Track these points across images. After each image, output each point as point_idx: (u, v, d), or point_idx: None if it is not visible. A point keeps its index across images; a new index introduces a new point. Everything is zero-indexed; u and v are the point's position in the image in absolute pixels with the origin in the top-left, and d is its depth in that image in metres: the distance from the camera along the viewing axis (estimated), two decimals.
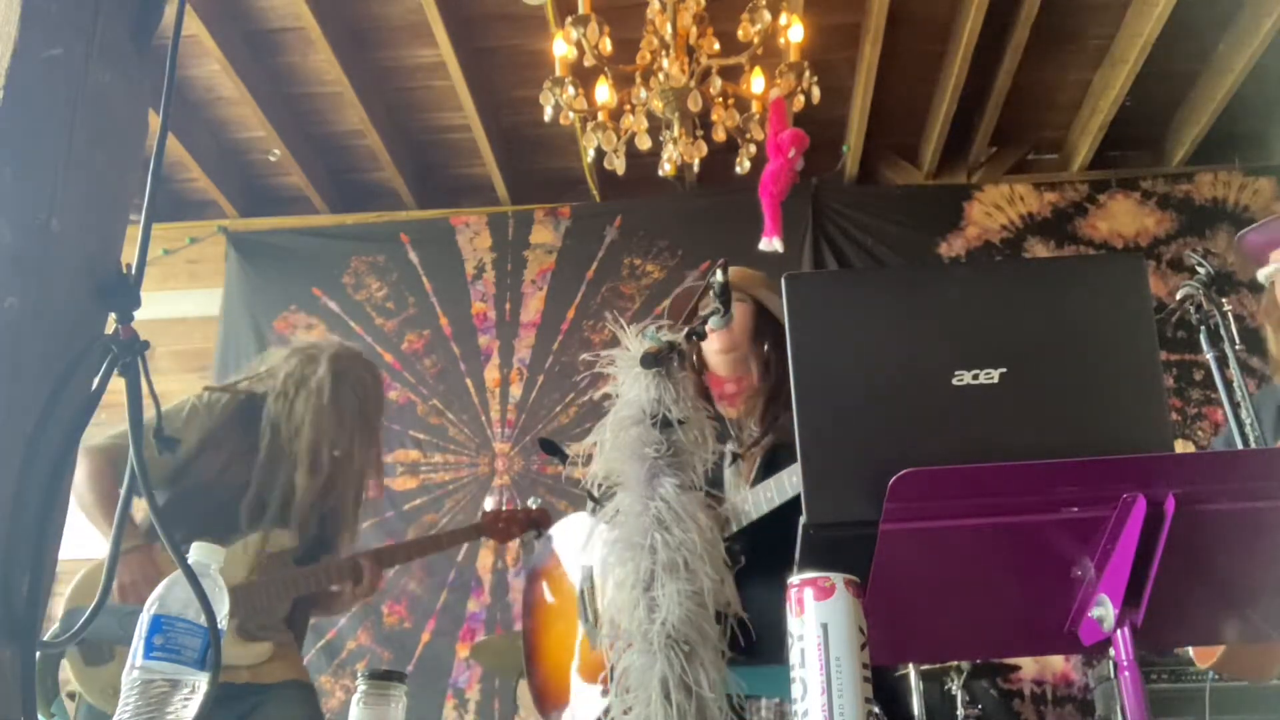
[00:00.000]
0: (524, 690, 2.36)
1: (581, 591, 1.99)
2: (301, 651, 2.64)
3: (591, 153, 3.12)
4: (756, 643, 1.39)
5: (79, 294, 0.95)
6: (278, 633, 2.47)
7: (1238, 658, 1.95)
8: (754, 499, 1.77)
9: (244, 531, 2.39)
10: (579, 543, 2.08)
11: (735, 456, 2.01)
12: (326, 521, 2.58)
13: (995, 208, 4.86)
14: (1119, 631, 0.99)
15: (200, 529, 2.26)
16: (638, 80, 3.01)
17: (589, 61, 2.93)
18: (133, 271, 0.97)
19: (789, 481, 1.69)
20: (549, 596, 2.16)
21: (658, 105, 2.96)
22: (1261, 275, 2.10)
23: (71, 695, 2.27)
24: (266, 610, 2.43)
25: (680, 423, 1.31)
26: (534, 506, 2.87)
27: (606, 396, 1.38)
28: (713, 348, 2.11)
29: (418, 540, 2.74)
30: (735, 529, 1.82)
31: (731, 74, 3.06)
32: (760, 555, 1.70)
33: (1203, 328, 1.77)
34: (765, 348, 2.11)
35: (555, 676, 2.05)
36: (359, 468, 2.62)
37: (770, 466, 1.93)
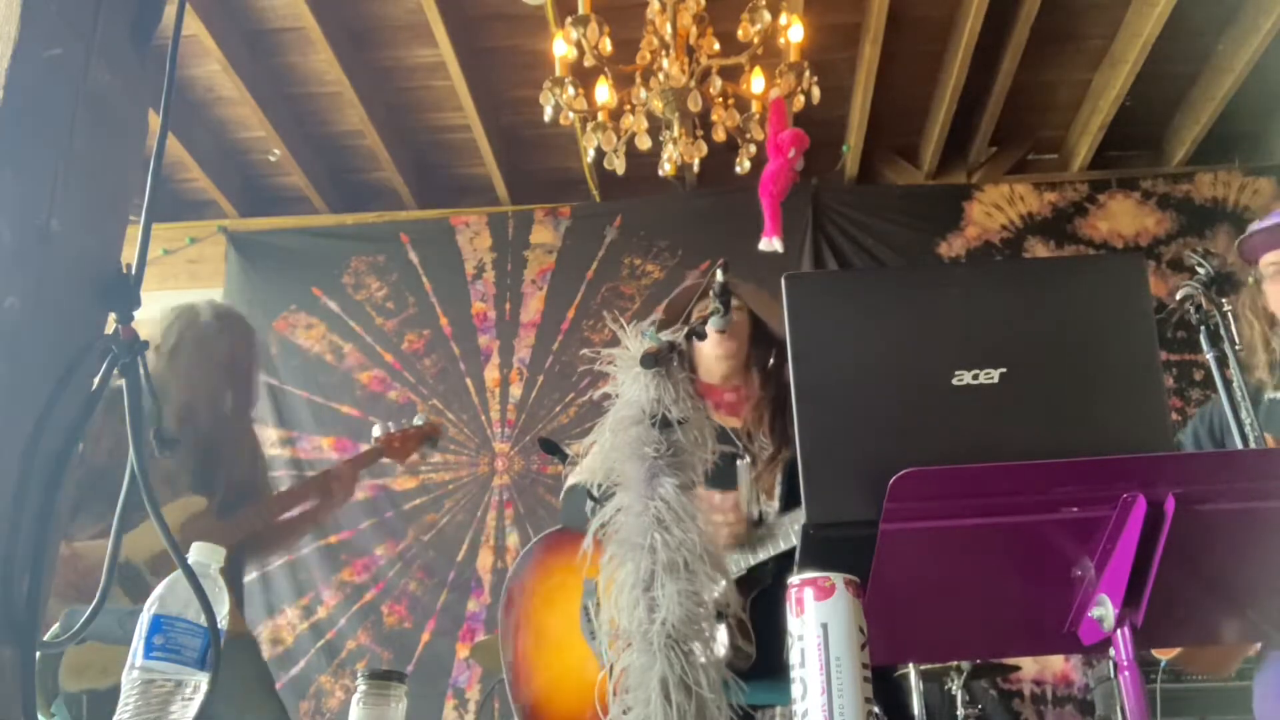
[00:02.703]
0: None
1: (585, 608, 1.97)
2: (241, 600, 2.69)
3: (591, 153, 3.11)
4: (779, 658, 1.41)
5: (79, 294, 0.95)
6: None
7: (1197, 653, 1.96)
8: (792, 527, 1.81)
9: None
10: (577, 556, 2.07)
11: (751, 458, 2.01)
12: (235, 479, 2.61)
13: (995, 208, 4.86)
14: (1119, 631, 0.99)
15: (108, 512, 2.32)
16: (638, 80, 3.01)
17: (589, 61, 2.93)
18: (133, 271, 0.97)
19: None
20: (535, 612, 2.12)
21: (658, 105, 2.96)
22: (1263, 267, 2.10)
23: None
24: None
25: (680, 423, 1.31)
26: (421, 423, 2.93)
27: (606, 396, 1.38)
28: (713, 353, 2.11)
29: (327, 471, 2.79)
30: (774, 551, 1.85)
31: (731, 74, 3.06)
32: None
33: (1203, 328, 1.77)
34: (767, 356, 2.12)
35: (551, 697, 2.02)
36: (244, 424, 2.70)
37: (793, 480, 1.95)
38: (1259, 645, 1.88)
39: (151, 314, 2.63)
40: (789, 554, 1.89)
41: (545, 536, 2.29)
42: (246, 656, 2.52)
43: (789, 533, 1.88)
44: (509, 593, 2.15)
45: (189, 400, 2.54)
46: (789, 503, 2.00)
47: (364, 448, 2.90)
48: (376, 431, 2.88)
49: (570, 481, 2.14)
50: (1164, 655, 1.98)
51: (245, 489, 2.64)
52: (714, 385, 2.14)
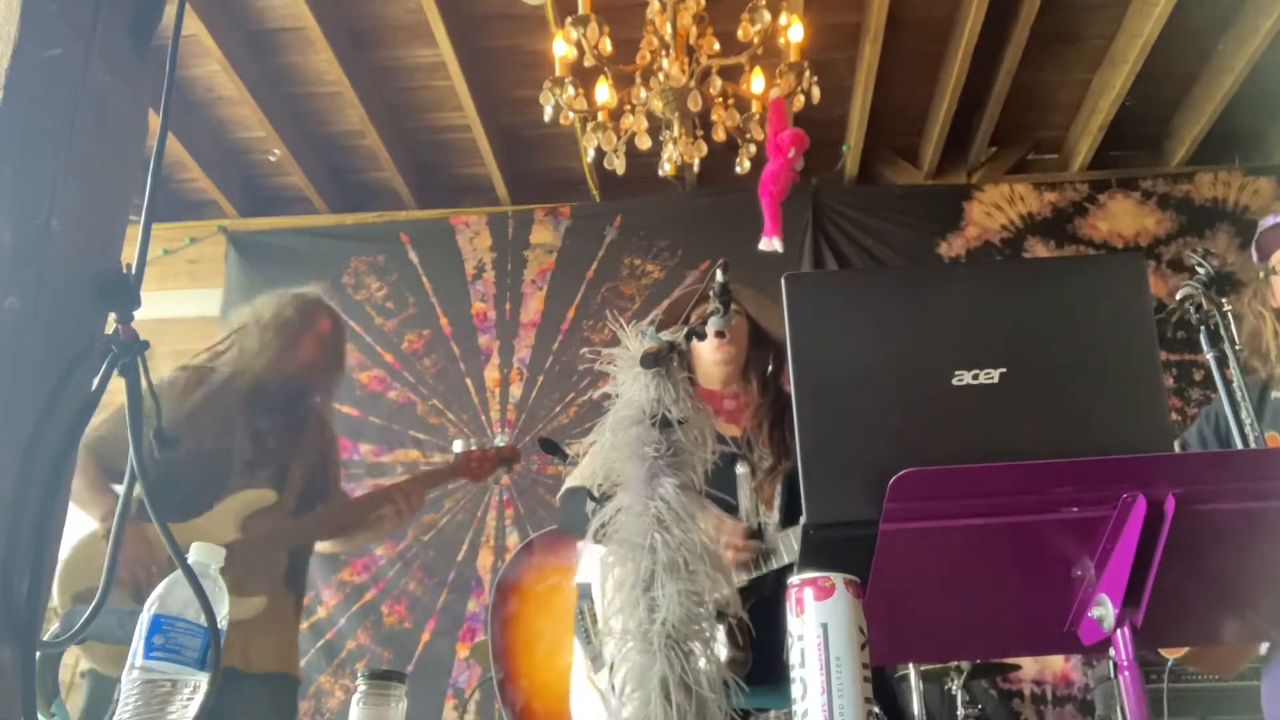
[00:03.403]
0: None
1: (581, 612, 1.96)
2: (301, 605, 2.62)
3: (591, 153, 3.11)
4: (771, 667, 1.42)
5: (79, 294, 0.95)
6: (274, 589, 2.45)
7: (1204, 653, 1.96)
8: (789, 542, 1.82)
9: (229, 490, 2.41)
10: (572, 559, 2.06)
11: (751, 467, 2.01)
12: (313, 477, 2.59)
13: (995, 208, 4.86)
14: (1119, 631, 0.99)
15: (190, 489, 2.35)
16: (638, 80, 3.01)
17: (589, 61, 2.93)
18: (133, 271, 0.97)
19: None
20: (528, 613, 2.11)
21: (658, 105, 2.96)
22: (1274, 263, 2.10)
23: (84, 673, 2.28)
24: (261, 565, 2.42)
25: (680, 423, 1.31)
26: (501, 444, 2.87)
27: (606, 396, 1.38)
28: (712, 357, 2.11)
29: (399, 483, 2.77)
30: (776, 565, 1.86)
31: (731, 74, 3.06)
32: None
33: (1203, 328, 1.77)
34: (766, 362, 2.12)
35: (542, 700, 2.01)
36: (325, 415, 2.69)
37: (793, 491, 1.95)
38: (1266, 645, 1.88)
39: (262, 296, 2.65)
40: (789, 567, 1.89)
41: (541, 536, 2.28)
42: (281, 693, 2.45)
43: (792, 548, 1.88)
44: (501, 591, 2.15)
45: (283, 385, 2.53)
46: (789, 514, 2.00)
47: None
48: (458, 447, 2.83)
49: (569, 484, 2.14)
50: (1171, 655, 1.98)
51: (317, 490, 2.61)
52: (714, 392, 2.14)
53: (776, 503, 1.99)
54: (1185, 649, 1.93)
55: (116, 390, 0.95)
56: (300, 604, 2.62)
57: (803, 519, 1.05)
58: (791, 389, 1.08)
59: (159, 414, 1.02)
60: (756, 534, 1.98)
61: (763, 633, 1.45)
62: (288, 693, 2.49)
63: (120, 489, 2.44)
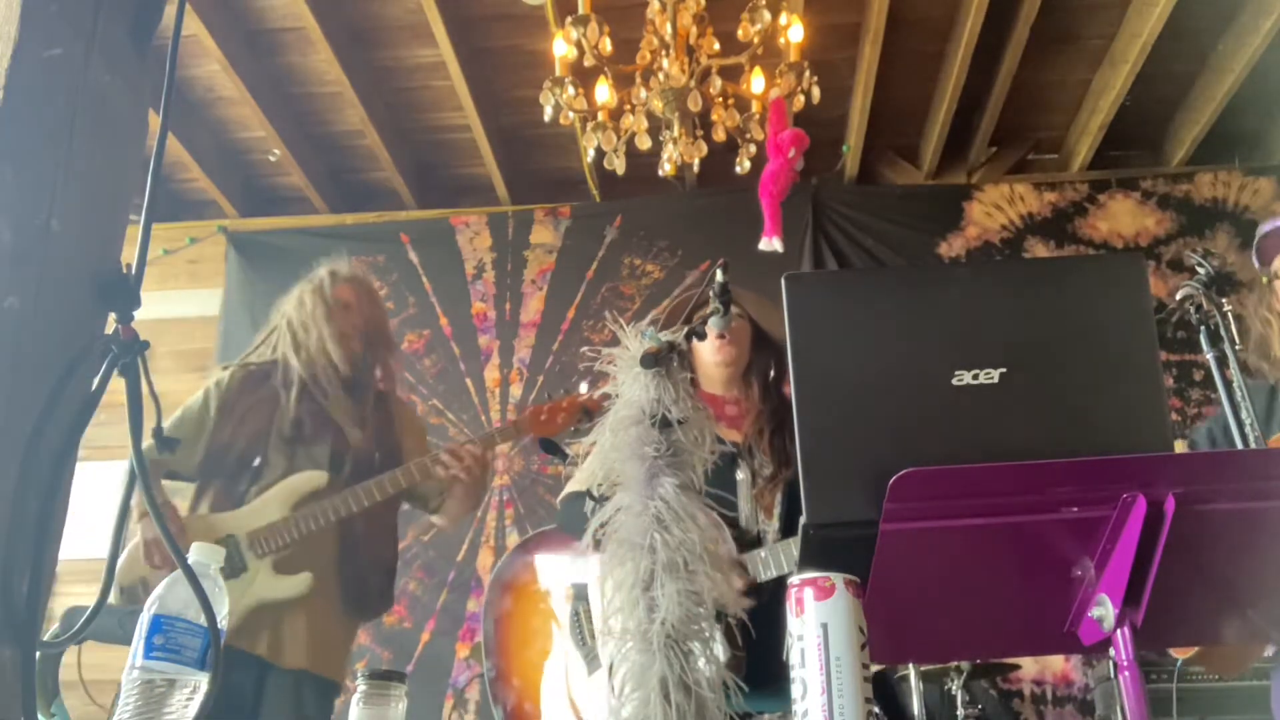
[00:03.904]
0: None
1: (576, 613, 1.96)
2: (365, 610, 2.55)
3: (591, 153, 3.11)
4: (769, 672, 1.42)
5: (79, 294, 0.95)
6: (322, 571, 2.39)
7: (1211, 652, 1.96)
8: (787, 557, 1.82)
9: (266, 473, 2.42)
10: (566, 559, 2.06)
11: (751, 474, 2.01)
12: (376, 457, 2.53)
13: (995, 208, 4.86)
14: (1119, 631, 0.99)
15: (229, 478, 2.39)
16: (638, 80, 3.01)
17: (589, 61, 2.93)
18: (133, 271, 0.97)
19: None
20: (522, 611, 2.11)
21: (658, 105, 2.96)
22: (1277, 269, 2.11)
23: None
24: (307, 543, 2.38)
25: (680, 423, 1.31)
26: (584, 393, 2.69)
27: (606, 396, 1.38)
28: (712, 359, 2.10)
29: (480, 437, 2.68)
30: (775, 574, 1.86)
31: (731, 74, 3.06)
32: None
33: (1203, 328, 1.77)
34: (767, 365, 2.11)
35: (534, 701, 2.01)
36: (391, 390, 2.64)
37: (793, 500, 1.95)
38: (1274, 647, 1.88)
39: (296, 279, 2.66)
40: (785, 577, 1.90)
41: (538, 535, 2.28)
42: (313, 691, 2.37)
43: (788, 559, 1.88)
44: (496, 587, 2.14)
45: (332, 368, 2.51)
46: (789, 523, 2.00)
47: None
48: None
49: (569, 489, 2.13)
50: (1180, 654, 1.98)
51: (385, 469, 2.50)
52: (716, 396, 2.13)
53: (776, 511, 2.00)
54: (1194, 649, 1.93)
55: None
56: (363, 607, 2.52)
57: (803, 519, 1.05)
58: (792, 389, 1.08)
59: (159, 414, 1.02)
60: (756, 541, 1.98)
61: (759, 638, 1.46)
62: (320, 696, 2.38)
63: (167, 483, 2.46)
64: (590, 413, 2.67)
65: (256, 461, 2.42)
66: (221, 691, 2.19)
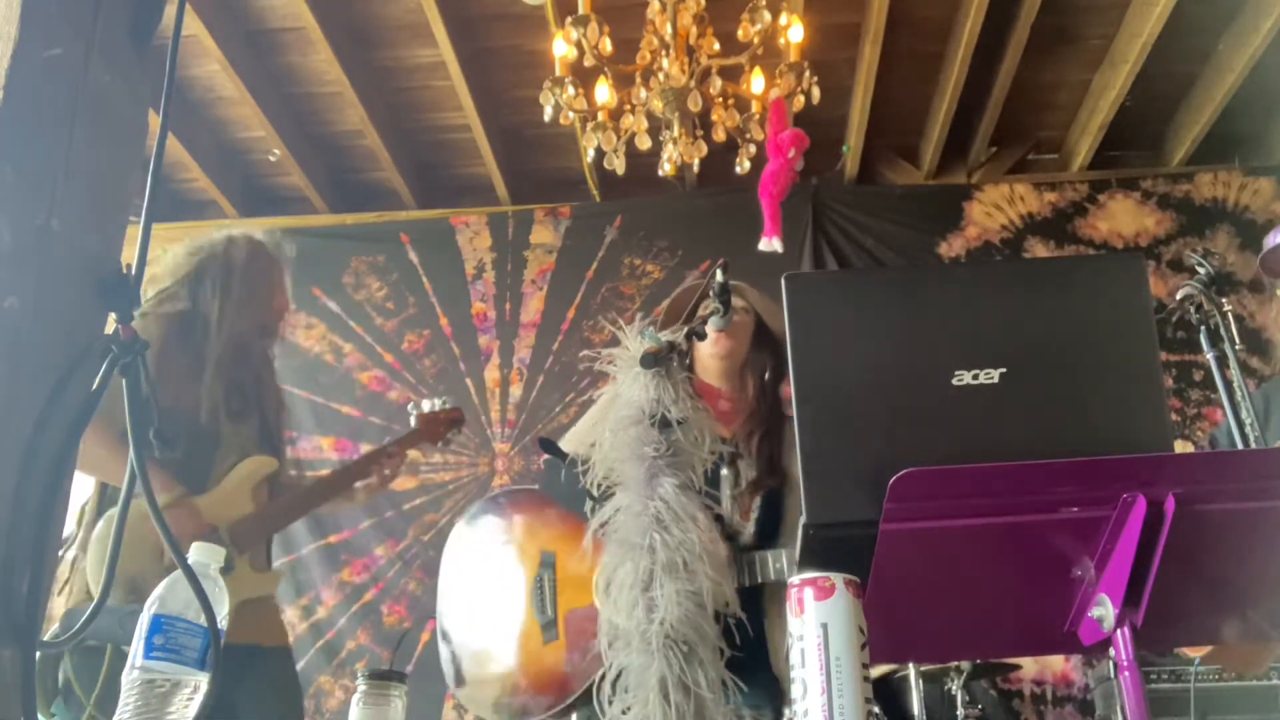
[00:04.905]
0: None
1: (540, 580, 1.95)
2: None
3: (591, 153, 3.11)
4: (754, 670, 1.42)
5: (79, 294, 0.95)
6: (268, 559, 2.44)
7: (1229, 651, 1.96)
8: (766, 565, 1.82)
9: (223, 447, 2.31)
10: (534, 525, 2.04)
11: (735, 474, 2.01)
12: (270, 422, 2.49)
13: (995, 208, 4.86)
14: (1119, 631, 0.99)
15: (183, 453, 2.23)
16: (638, 80, 3.01)
17: (589, 61, 2.93)
18: (133, 271, 0.97)
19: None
20: (484, 561, 2.06)
21: (658, 105, 2.96)
22: None
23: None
24: (268, 538, 2.42)
25: (679, 423, 1.31)
26: (450, 406, 2.84)
27: (605, 395, 1.38)
28: (710, 350, 2.10)
29: (365, 456, 2.73)
30: (745, 583, 1.86)
31: (731, 74, 3.06)
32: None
33: (1203, 328, 1.77)
34: (765, 364, 2.11)
35: (482, 652, 1.96)
36: (271, 360, 2.58)
37: (771, 509, 1.95)
38: None
39: (168, 250, 2.43)
40: (754, 588, 1.89)
41: (513, 492, 2.26)
42: (287, 664, 2.45)
43: (768, 569, 1.87)
44: (462, 533, 2.09)
45: (242, 348, 2.40)
46: (764, 530, 1.99)
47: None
48: (425, 408, 2.77)
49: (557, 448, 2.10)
50: (1196, 653, 1.98)
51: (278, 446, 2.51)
52: (711, 388, 2.13)
53: (753, 516, 1.99)
54: (1209, 648, 1.93)
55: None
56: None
57: (803, 519, 1.05)
58: (792, 389, 1.08)
59: (158, 415, 1.02)
60: (730, 540, 1.97)
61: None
62: (293, 664, 2.51)
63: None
64: (457, 424, 2.82)
65: (213, 435, 2.30)
66: (224, 690, 2.19)
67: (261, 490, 2.37)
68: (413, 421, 2.77)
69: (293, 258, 2.63)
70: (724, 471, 2.01)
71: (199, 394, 2.29)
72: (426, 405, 2.79)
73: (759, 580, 1.88)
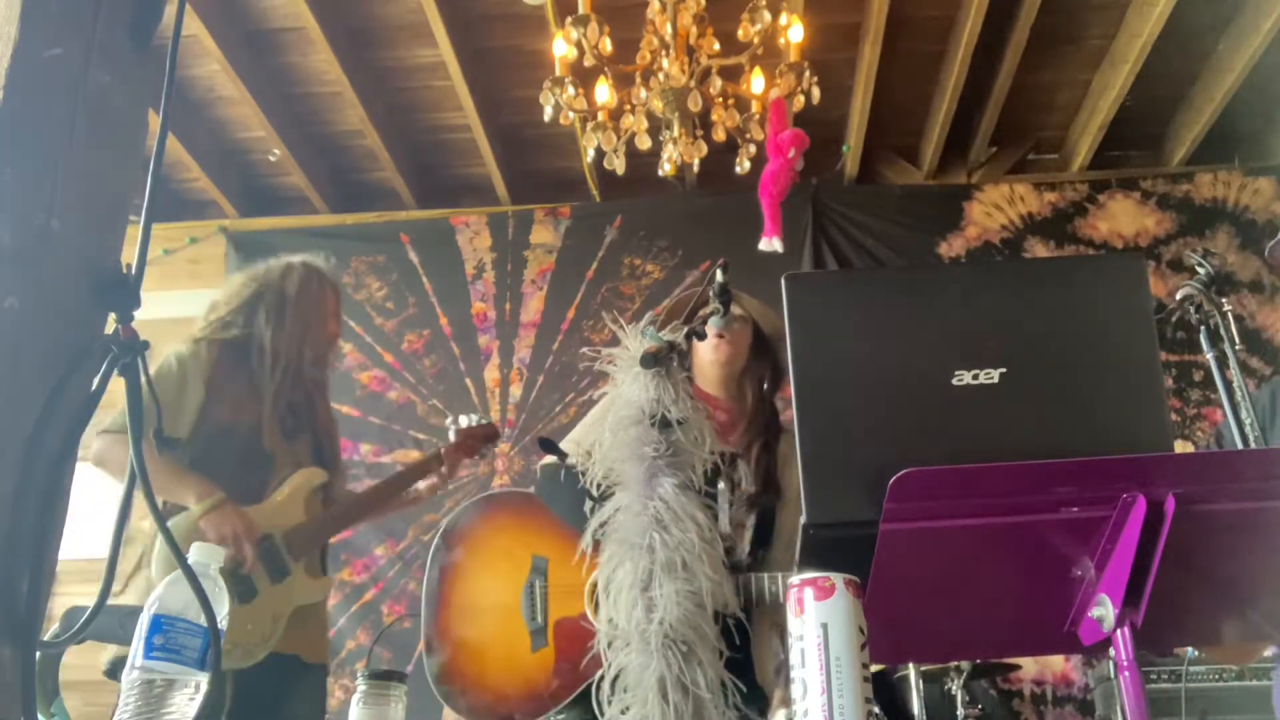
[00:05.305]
0: None
1: (531, 586, 1.94)
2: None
3: (591, 153, 3.11)
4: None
5: (79, 294, 0.95)
6: (323, 566, 2.52)
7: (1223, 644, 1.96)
8: (762, 587, 1.82)
9: (277, 464, 2.43)
10: (525, 529, 2.03)
11: (731, 485, 2.01)
12: (331, 448, 2.61)
13: (995, 208, 4.86)
14: (1119, 631, 0.99)
15: (237, 469, 2.35)
16: (638, 80, 3.01)
17: (589, 61, 2.93)
18: (133, 271, 0.97)
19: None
20: (473, 566, 2.04)
21: (658, 105, 2.96)
22: None
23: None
24: (320, 547, 2.49)
25: (679, 423, 1.31)
26: (485, 422, 2.90)
27: (606, 396, 1.38)
28: (709, 357, 2.10)
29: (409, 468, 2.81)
30: (741, 603, 1.85)
31: (731, 74, 3.06)
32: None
33: (1203, 328, 1.76)
34: (762, 376, 2.10)
35: (471, 659, 1.95)
36: (326, 385, 2.70)
37: (765, 526, 1.97)
38: (1276, 647, 1.88)
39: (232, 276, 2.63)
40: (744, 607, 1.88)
41: (504, 494, 2.25)
42: (323, 685, 2.50)
43: (763, 592, 1.84)
44: (450, 535, 2.06)
45: (314, 361, 2.54)
46: (756, 547, 1.99)
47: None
48: (463, 423, 2.83)
49: (548, 459, 2.09)
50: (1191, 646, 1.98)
51: (334, 462, 2.61)
52: (709, 396, 2.12)
53: (747, 535, 1.99)
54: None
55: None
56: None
57: (803, 519, 1.05)
58: (792, 389, 1.08)
59: (159, 414, 1.02)
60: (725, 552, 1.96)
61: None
62: (325, 686, 2.54)
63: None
64: (492, 440, 2.90)
65: (267, 452, 2.42)
66: (250, 692, 2.21)
67: (314, 500, 2.47)
68: (451, 436, 2.83)
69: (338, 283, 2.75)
70: (720, 485, 2.00)
71: (254, 415, 2.42)
72: (464, 420, 2.84)
73: (753, 604, 1.87)
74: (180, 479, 2.24)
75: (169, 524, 2.29)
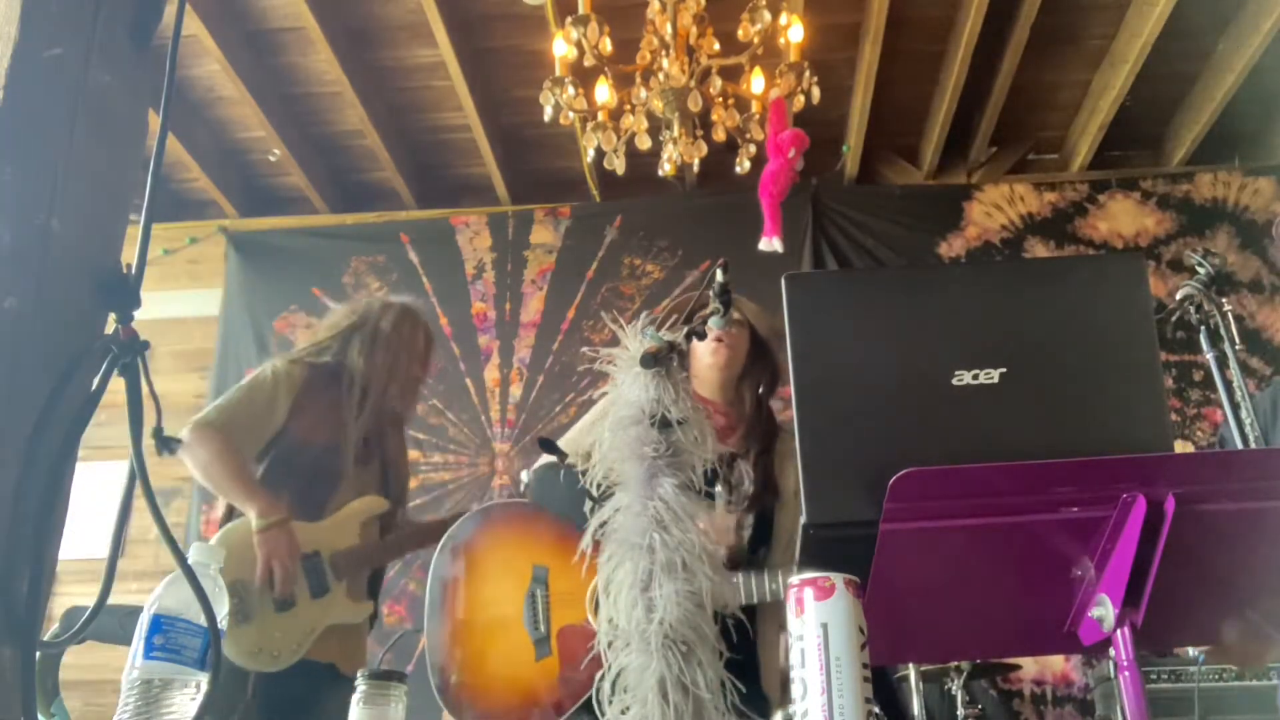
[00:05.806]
0: None
1: (533, 595, 1.95)
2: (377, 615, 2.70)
3: (591, 153, 3.11)
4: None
5: (79, 294, 0.95)
6: (368, 591, 2.56)
7: (1231, 647, 1.96)
8: (763, 585, 1.82)
9: (344, 487, 2.48)
10: (525, 539, 2.03)
11: (729, 486, 2.01)
12: (391, 472, 2.67)
13: (995, 208, 4.86)
14: (1119, 631, 0.99)
15: (305, 484, 2.43)
16: (638, 80, 3.01)
17: (589, 61, 2.93)
18: (133, 271, 0.97)
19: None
20: (476, 578, 2.04)
21: (658, 105, 2.96)
22: None
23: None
24: (368, 572, 2.54)
25: (679, 423, 1.30)
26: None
27: (605, 396, 1.38)
28: (707, 360, 2.09)
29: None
30: (743, 602, 1.86)
31: (731, 74, 3.06)
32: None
33: (1203, 328, 1.76)
34: (759, 381, 2.10)
35: (476, 671, 1.96)
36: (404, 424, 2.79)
37: (763, 527, 1.97)
38: None
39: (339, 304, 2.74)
40: (748, 608, 1.88)
41: (502, 504, 2.26)
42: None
43: (764, 590, 1.86)
44: (450, 549, 2.06)
45: (399, 398, 2.62)
46: (754, 549, 1.99)
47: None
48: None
49: (545, 460, 2.09)
50: (1200, 650, 1.98)
51: (400, 496, 2.69)
52: (707, 400, 2.12)
53: (745, 535, 1.99)
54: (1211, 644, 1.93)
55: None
56: (377, 614, 2.70)
57: (803, 519, 1.05)
58: (792, 389, 1.08)
59: (159, 414, 1.02)
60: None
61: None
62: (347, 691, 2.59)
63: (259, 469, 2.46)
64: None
65: (336, 473, 2.48)
66: (272, 693, 2.24)
67: (370, 527, 2.53)
68: (521, 488, 2.87)
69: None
70: (716, 488, 2.00)
71: (332, 436, 2.50)
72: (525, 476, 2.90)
73: (754, 601, 1.87)
74: (251, 493, 2.33)
75: (230, 525, 2.36)
